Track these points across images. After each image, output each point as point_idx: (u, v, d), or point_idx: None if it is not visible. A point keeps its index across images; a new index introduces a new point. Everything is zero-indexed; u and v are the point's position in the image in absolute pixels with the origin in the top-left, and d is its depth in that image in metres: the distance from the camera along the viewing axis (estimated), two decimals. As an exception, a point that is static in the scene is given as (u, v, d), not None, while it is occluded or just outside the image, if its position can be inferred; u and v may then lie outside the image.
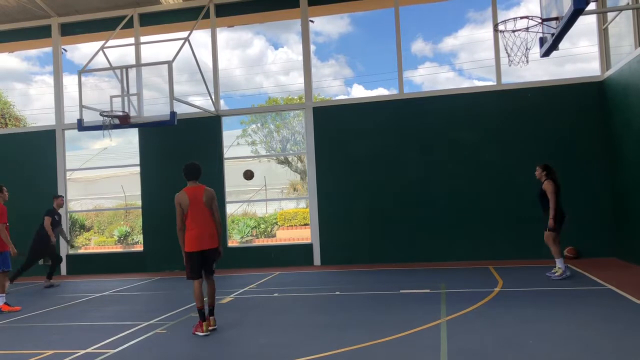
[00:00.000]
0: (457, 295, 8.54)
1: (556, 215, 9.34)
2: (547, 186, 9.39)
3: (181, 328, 7.22)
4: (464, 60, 22.22)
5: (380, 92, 21.90)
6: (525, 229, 11.85)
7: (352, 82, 27.53)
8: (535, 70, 15.80)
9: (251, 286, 10.61)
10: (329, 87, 23.42)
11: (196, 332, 6.80)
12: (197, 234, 6.95)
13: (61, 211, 12.89)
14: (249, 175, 11.82)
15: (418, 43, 23.04)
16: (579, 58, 17.21)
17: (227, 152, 15.00)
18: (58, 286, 12.26)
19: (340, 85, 25.06)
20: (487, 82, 15.73)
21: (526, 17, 7.79)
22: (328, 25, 24.53)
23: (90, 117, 12.44)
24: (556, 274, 9.43)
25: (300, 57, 14.06)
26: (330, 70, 24.83)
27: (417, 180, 13.01)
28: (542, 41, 8.08)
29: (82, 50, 22.38)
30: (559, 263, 9.42)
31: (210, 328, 6.86)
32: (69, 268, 14.61)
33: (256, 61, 28.59)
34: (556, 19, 7.24)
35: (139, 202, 14.72)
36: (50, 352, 6.34)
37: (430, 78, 21.69)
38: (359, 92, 23.77)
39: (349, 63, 26.18)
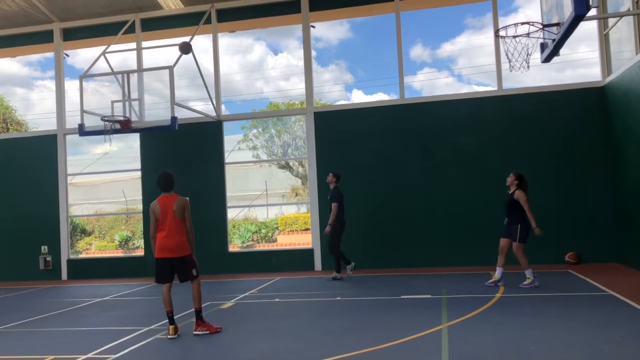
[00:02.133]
0: (458, 300, 8.52)
1: (515, 223, 9.29)
2: (520, 195, 9.30)
3: (182, 333, 7.21)
4: (463, 66, 22.29)
5: (380, 97, 21.99)
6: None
7: (352, 88, 27.61)
8: (535, 76, 15.84)
9: (252, 291, 10.60)
10: (329, 92, 23.46)
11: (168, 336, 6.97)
12: (163, 242, 7.01)
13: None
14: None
15: (417, 49, 23.18)
16: (579, 64, 17.25)
17: (228, 157, 15.01)
18: None
19: (340, 90, 25.13)
20: (486, 87, 15.76)
21: (527, 22, 7.80)
22: (328, 31, 24.65)
23: (91, 122, 12.45)
24: (525, 283, 9.35)
25: (300, 63, 14.10)
26: (330, 75, 24.91)
27: (418, 185, 13.01)
28: (543, 47, 8.09)
29: (83, 55, 22.40)
30: (529, 274, 9.32)
31: (195, 333, 7.04)
32: (70, 273, 14.60)
33: (256, 67, 28.67)
34: (557, 24, 7.24)
35: (140, 207, 14.73)
36: (51, 357, 6.34)
37: (429, 83, 21.77)
38: (358, 98, 23.87)
39: (348, 68, 26.28)
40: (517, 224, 9.31)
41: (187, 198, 7.31)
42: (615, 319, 6.81)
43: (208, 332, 7.06)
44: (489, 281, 9.68)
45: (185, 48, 11.87)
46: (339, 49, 24.63)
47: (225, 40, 22.24)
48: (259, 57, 30.24)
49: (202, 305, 7.28)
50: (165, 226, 7.03)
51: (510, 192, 9.55)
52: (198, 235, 13.71)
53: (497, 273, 9.57)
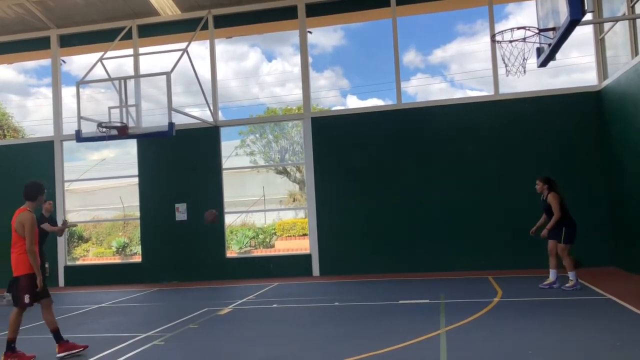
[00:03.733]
0: (457, 305, 8.51)
1: (559, 225, 9.28)
2: (552, 199, 9.32)
3: (179, 340, 7.19)
4: (456, 72, 22.43)
5: (374, 102, 22.04)
6: (525, 239, 11.81)
7: (346, 93, 27.76)
8: (529, 81, 15.93)
9: (250, 297, 10.58)
10: (325, 97, 23.53)
11: None
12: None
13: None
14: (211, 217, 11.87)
15: (410, 55, 23.35)
16: (574, 69, 17.34)
17: (226, 163, 15.01)
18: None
19: (335, 96, 25.24)
20: (479, 92, 15.81)
21: (523, 27, 7.83)
22: (322, 38, 24.77)
23: (88, 128, 12.42)
24: (568, 285, 9.34)
25: (296, 69, 14.14)
26: (325, 81, 25.04)
27: (415, 190, 13.01)
28: (539, 51, 8.12)
29: (79, 62, 22.45)
30: (572, 276, 9.32)
31: None
32: (67, 279, 14.56)
33: (251, 73, 28.80)
34: (553, 29, 7.27)
35: (138, 213, 14.70)
36: (48, 364, 6.30)
37: (423, 89, 21.89)
38: (352, 103, 23.99)
39: (344, 74, 26.43)
40: (561, 226, 9.30)
41: (30, 213, 6.60)
42: (613, 324, 6.81)
43: None
44: (544, 283, 9.63)
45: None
46: (333, 55, 24.78)
47: (221, 47, 22.35)
48: (254, 64, 30.38)
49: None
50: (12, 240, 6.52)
51: (543, 198, 9.54)
52: (196, 241, 13.87)
53: (551, 275, 9.56)
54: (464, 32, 23.74)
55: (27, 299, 6.42)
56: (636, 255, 10.54)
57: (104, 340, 7.40)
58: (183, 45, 13.17)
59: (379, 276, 12.49)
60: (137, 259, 15.97)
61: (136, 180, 14.68)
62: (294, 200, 23.32)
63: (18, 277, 6.47)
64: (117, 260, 20.56)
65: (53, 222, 11.97)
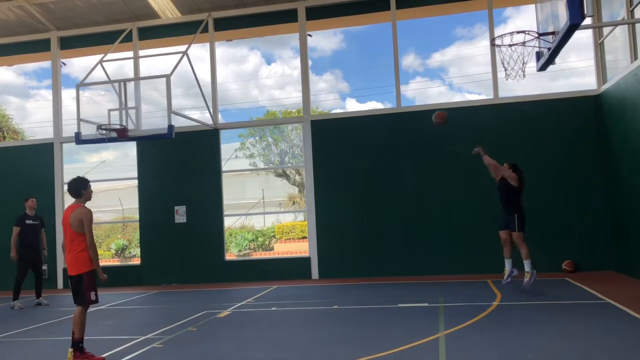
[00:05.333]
0: (456, 309, 8.51)
1: (511, 213, 9.39)
2: (509, 174, 9.40)
3: (178, 343, 7.18)
4: (454, 75, 22.51)
5: (373, 105, 22.13)
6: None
7: (346, 96, 27.87)
8: (527, 85, 15.99)
9: (249, 300, 10.57)
10: (324, 100, 23.60)
11: None
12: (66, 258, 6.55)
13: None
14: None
15: (409, 58, 23.43)
16: (572, 73, 17.41)
17: (225, 165, 15.02)
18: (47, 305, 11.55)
19: (334, 99, 25.34)
20: (478, 96, 15.84)
21: (523, 31, 7.85)
22: (322, 41, 24.86)
23: (88, 131, 12.44)
24: (526, 280, 9.29)
25: (295, 72, 14.20)
26: (325, 84, 25.13)
27: (415, 193, 13.02)
28: (538, 55, 8.14)
29: (78, 64, 22.51)
30: (528, 266, 9.26)
31: None
32: (66, 282, 14.51)
33: (251, 76, 28.90)
34: (552, 33, 7.29)
35: (137, 215, 14.70)
36: (46, 367, 6.30)
37: (422, 92, 21.97)
38: (352, 106, 24.09)
39: (343, 77, 26.53)
40: (513, 214, 9.36)
41: (86, 208, 6.54)
42: (612, 327, 6.80)
43: None
44: (505, 279, 9.67)
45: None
46: (333, 59, 24.88)
47: (220, 50, 22.43)
48: (254, 67, 30.49)
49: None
50: (66, 239, 6.48)
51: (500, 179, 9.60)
52: (195, 244, 13.87)
53: (507, 266, 9.59)
54: (463, 35, 23.86)
55: (93, 295, 6.43)
56: (636, 258, 10.54)
57: (102, 343, 7.38)
58: (183, 47, 13.19)
59: (378, 279, 12.48)
60: (136, 261, 15.97)
61: (135, 182, 14.68)
62: (293, 203, 23.35)
63: (80, 276, 6.39)
64: (116, 262, 20.56)
65: (37, 219, 11.77)
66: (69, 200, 6.80)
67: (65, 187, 6.89)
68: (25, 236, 11.36)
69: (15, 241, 11.34)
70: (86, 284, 6.41)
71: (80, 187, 6.65)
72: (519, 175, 9.52)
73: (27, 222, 11.51)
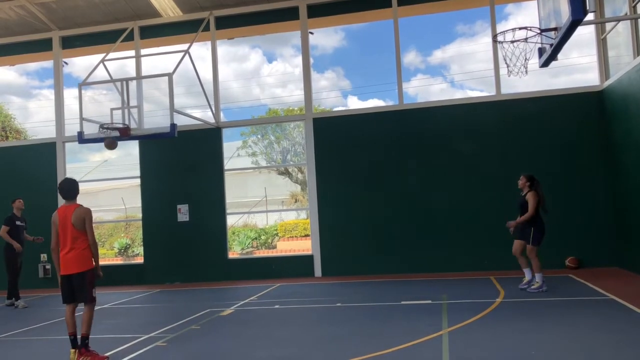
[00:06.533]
0: (459, 306, 8.50)
1: (529, 225, 9.23)
2: (530, 198, 9.26)
3: (181, 341, 7.19)
4: (456, 72, 22.48)
5: (375, 103, 22.12)
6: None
7: (348, 94, 27.90)
8: (529, 81, 15.95)
9: (252, 298, 10.58)
10: (326, 98, 23.59)
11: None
12: (61, 257, 6.46)
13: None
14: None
15: (410, 56, 23.40)
16: (575, 69, 17.37)
17: (228, 164, 15.01)
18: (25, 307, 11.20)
19: (336, 97, 25.34)
20: (479, 92, 15.80)
21: (525, 27, 7.82)
22: (323, 39, 24.86)
23: (90, 130, 12.44)
24: (533, 287, 9.31)
25: (297, 70, 14.18)
26: (327, 82, 25.13)
27: (417, 190, 13.00)
28: (541, 51, 8.11)
29: (80, 64, 22.52)
30: (539, 278, 9.26)
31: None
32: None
33: (252, 74, 28.90)
34: (555, 29, 7.26)
35: (140, 214, 14.71)
36: (50, 365, 6.31)
37: (424, 89, 21.96)
38: (354, 104, 24.07)
39: (345, 75, 26.52)
40: (530, 227, 9.26)
41: (86, 207, 6.62)
42: (615, 324, 6.79)
43: None
44: (522, 283, 9.62)
45: (111, 144, 11.79)
46: (334, 56, 24.87)
47: (222, 49, 22.43)
48: (256, 65, 30.48)
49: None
50: (64, 238, 6.45)
51: (523, 194, 9.51)
52: (198, 242, 13.88)
53: (527, 275, 9.54)
54: (464, 32, 23.85)
55: (94, 292, 6.52)
56: (639, 255, 10.52)
57: (106, 342, 7.40)
58: (185, 46, 13.19)
59: (381, 277, 12.48)
60: (139, 260, 15.99)
61: (138, 181, 14.68)
62: (295, 201, 23.34)
63: (85, 273, 6.41)
64: (119, 261, 20.58)
65: (23, 221, 11.72)
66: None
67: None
68: (13, 236, 11.32)
69: (7, 237, 11.26)
70: (89, 281, 6.46)
71: (76, 188, 6.76)
72: (535, 188, 9.38)
73: (17, 222, 11.50)
